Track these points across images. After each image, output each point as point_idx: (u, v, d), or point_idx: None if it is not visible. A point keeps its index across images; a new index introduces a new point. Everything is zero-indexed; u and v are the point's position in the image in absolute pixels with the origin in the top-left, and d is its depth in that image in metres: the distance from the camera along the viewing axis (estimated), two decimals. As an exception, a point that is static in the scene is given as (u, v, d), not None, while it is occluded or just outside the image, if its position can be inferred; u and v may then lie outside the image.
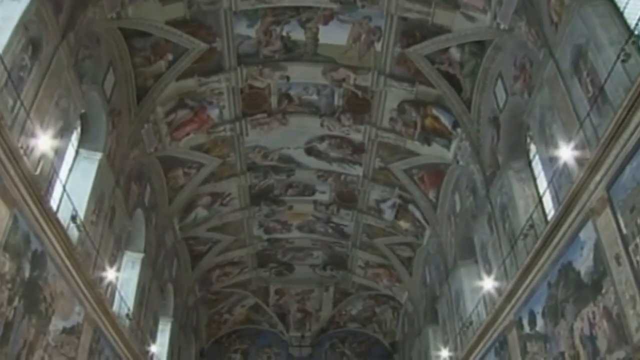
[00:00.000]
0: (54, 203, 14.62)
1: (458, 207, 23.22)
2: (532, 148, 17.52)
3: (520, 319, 16.51)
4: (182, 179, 25.14)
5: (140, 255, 22.91)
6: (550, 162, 14.90)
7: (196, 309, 35.77)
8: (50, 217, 13.62)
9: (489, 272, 19.28)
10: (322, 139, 25.31)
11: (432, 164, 23.84)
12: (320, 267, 36.45)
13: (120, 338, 19.66)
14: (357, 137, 24.54)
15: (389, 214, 28.58)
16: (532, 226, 15.78)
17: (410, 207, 27.04)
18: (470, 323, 21.12)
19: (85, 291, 16.34)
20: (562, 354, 13.81)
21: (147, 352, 23.64)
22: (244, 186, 27.84)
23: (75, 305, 15.93)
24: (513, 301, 16.87)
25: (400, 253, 31.03)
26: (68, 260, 14.90)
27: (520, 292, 16.36)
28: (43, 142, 13.08)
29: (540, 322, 15.23)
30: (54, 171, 14.34)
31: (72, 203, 15.45)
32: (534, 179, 17.45)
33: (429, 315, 28.91)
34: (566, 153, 13.36)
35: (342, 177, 27.47)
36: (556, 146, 14.16)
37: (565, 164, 13.66)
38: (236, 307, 39.45)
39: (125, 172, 20.06)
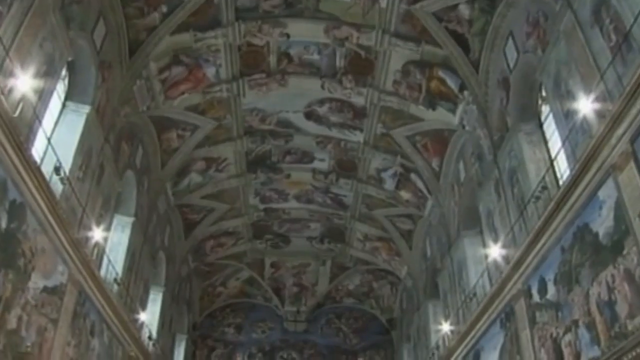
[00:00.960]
0: (36, 154, 13.63)
1: (462, 175, 22.37)
2: (544, 110, 16.68)
3: (529, 288, 15.60)
4: (175, 142, 24.17)
5: (131, 220, 22.04)
6: (565, 119, 13.99)
7: (189, 280, 35.00)
8: (31, 165, 12.71)
9: (495, 241, 18.38)
10: (322, 102, 24.33)
11: (437, 129, 22.94)
12: (317, 239, 35.62)
13: (108, 303, 18.82)
14: (358, 100, 23.58)
15: (389, 184, 27.66)
16: (544, 188, 14.91)
17: (412, 176, 26.15)
18: (474, 295, 20.29)
19: (70, 250, 15.46)
20: (576, 321, 12.88)
21: (137, 320, 22.77)
22: (240, 151, 26.87)
23: (58, 264, 15.04)
24: (522, 269, 15.96)
25: (400, 225, 30.22)
26: (50, 215, 14.01)
27: (529, 259, 15.44)
28: (23, 82, 12.14)
29: (551, 289, 14.30)
30: (36, 117, 13.36)
31: (56, 155, 14.53)
32: (546, 142, 16.57)
33: (429, 289, 28.14)
34: (585, 107, 12.48)
35: (342, 143, 26.53)
36: (573, 101, 13.26)
37: (583, 120, 12.77)
38: (230, 279, 38.66)
39: (115, 130, 19.09)
